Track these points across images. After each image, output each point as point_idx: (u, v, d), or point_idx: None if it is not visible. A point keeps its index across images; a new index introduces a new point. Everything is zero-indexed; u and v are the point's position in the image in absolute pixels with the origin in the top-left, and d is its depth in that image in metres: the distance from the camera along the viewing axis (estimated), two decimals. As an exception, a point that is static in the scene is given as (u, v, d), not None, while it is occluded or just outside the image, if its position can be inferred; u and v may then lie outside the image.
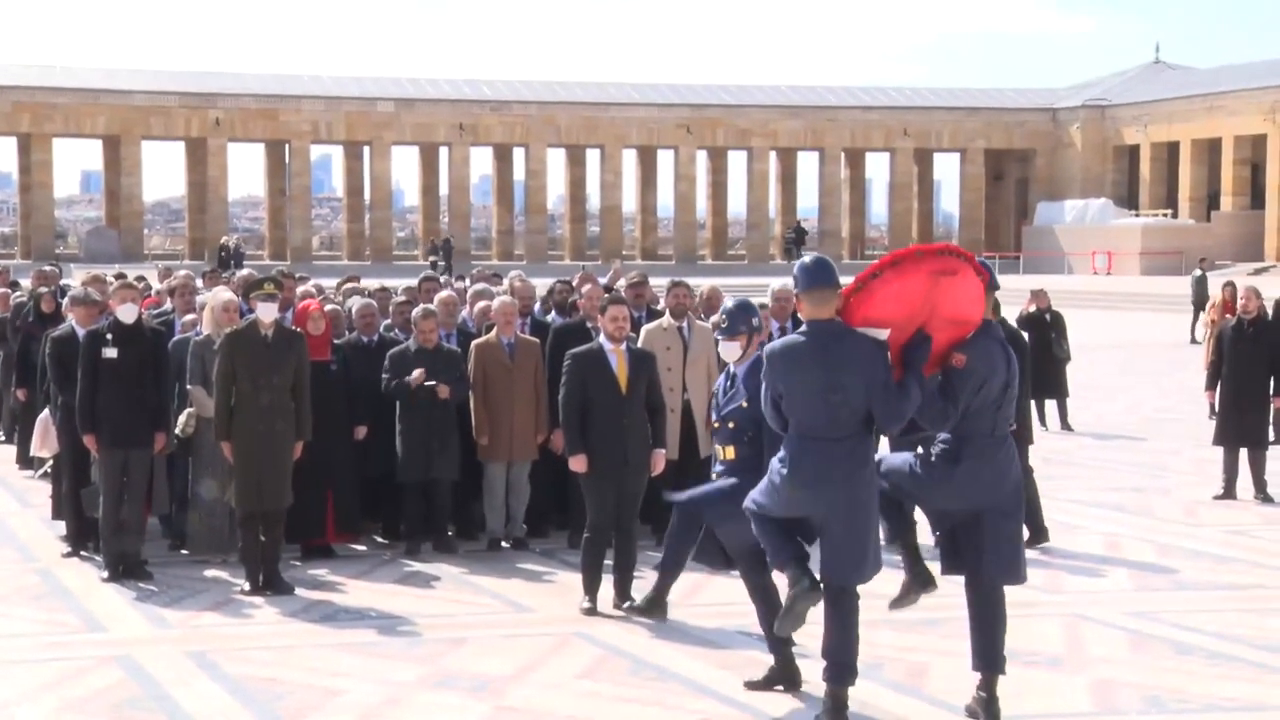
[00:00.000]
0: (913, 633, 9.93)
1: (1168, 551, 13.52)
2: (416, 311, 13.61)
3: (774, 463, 8.52)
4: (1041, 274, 63.44)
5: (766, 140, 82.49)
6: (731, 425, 9.34)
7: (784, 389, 8.37)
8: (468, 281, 17.55)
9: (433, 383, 13.06)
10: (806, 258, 9.04)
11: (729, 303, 9.73)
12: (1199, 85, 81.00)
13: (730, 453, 9.31)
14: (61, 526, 13.55)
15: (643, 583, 11.65)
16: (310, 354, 12.39)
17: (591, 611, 11.17)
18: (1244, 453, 16.00)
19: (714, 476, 9.50)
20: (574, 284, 15.92)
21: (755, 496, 8.58)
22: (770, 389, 8.49)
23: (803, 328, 8.48)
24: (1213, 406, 16.72)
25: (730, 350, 9.51)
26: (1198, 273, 43.10)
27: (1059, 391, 21.43)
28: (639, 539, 11.79)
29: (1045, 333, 20.94)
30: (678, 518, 10.03)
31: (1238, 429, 15.93)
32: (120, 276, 14.68)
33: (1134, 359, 34.59)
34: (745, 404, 9.21)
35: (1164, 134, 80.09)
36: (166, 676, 9.64)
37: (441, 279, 19.17)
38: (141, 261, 65.08)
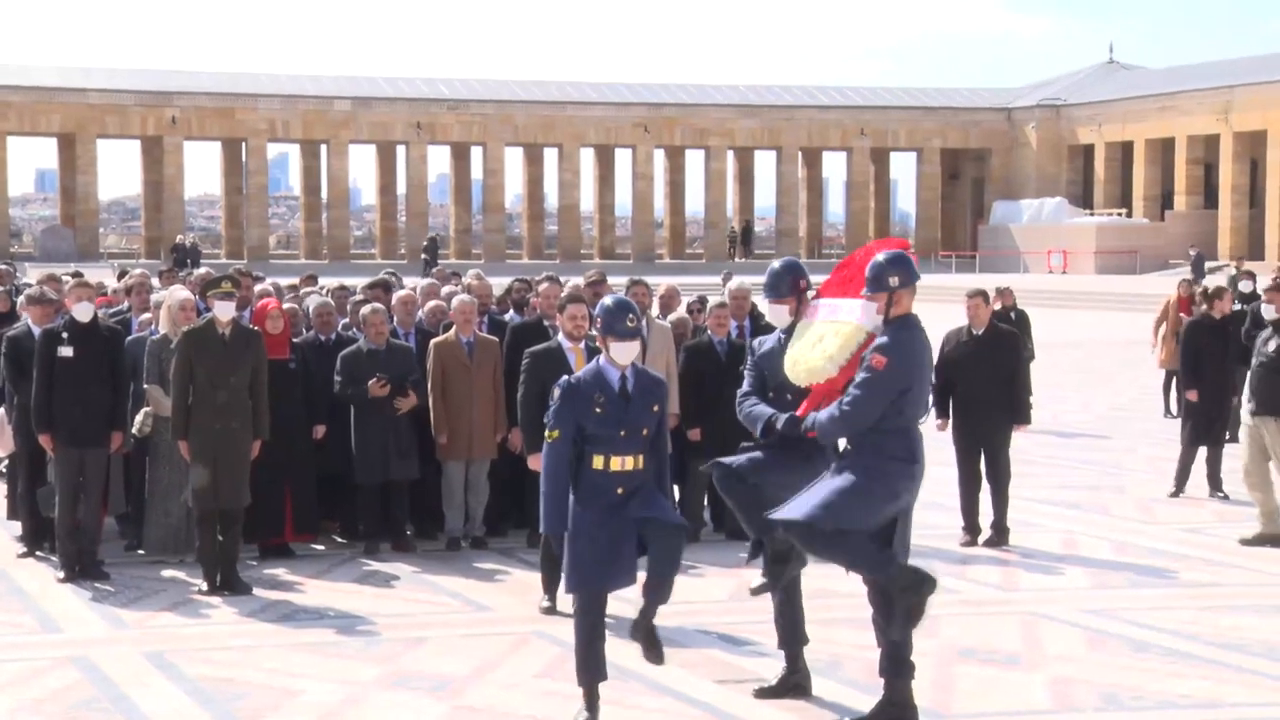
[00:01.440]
0: (870, 631, 9.92)
1: (1124, 549, 13.58)
2: (366, 309, 13.61)
3: (875, 468, 8.38)
4: (998, 273, 63.72)
5: (724, 139, 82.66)
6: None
7: (915, 382, 8.44)
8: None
9: (388, 390, 13.03)
10: (776, 263, 9.10)
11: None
12: (1152, 85, 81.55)
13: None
14: (17, 526, 13.49)
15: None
16: (268, 353, 12.35)
17: (551, 610, 11.14)
18: (1201, 450, 16.11)
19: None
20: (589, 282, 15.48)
21: (851, 517, 8.34)
22: (899, 385, 8.38)
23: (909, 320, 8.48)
24: (1181, 405, 16.90)
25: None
26: (1232, 272, 43.20)
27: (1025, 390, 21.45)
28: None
29: (1014, 331, 20.95)
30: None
31: (1209, 427, 16.02)
32: (76, 275, 14.56)
33: (1089, 358, 34.76)
34: None
35: (1118, 134, 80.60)
36: (124, 677, 9.59)
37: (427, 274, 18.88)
38: (97, 260, 64.81)
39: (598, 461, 8.54)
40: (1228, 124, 74.40)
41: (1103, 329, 44.20)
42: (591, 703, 8.59)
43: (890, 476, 8.39)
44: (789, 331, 8.96)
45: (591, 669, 8.62)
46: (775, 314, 9.16)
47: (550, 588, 11.25)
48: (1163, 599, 11.86)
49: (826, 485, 8.40)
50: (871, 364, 8.36)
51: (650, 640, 8.73)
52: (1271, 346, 13.80)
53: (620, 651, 10.12)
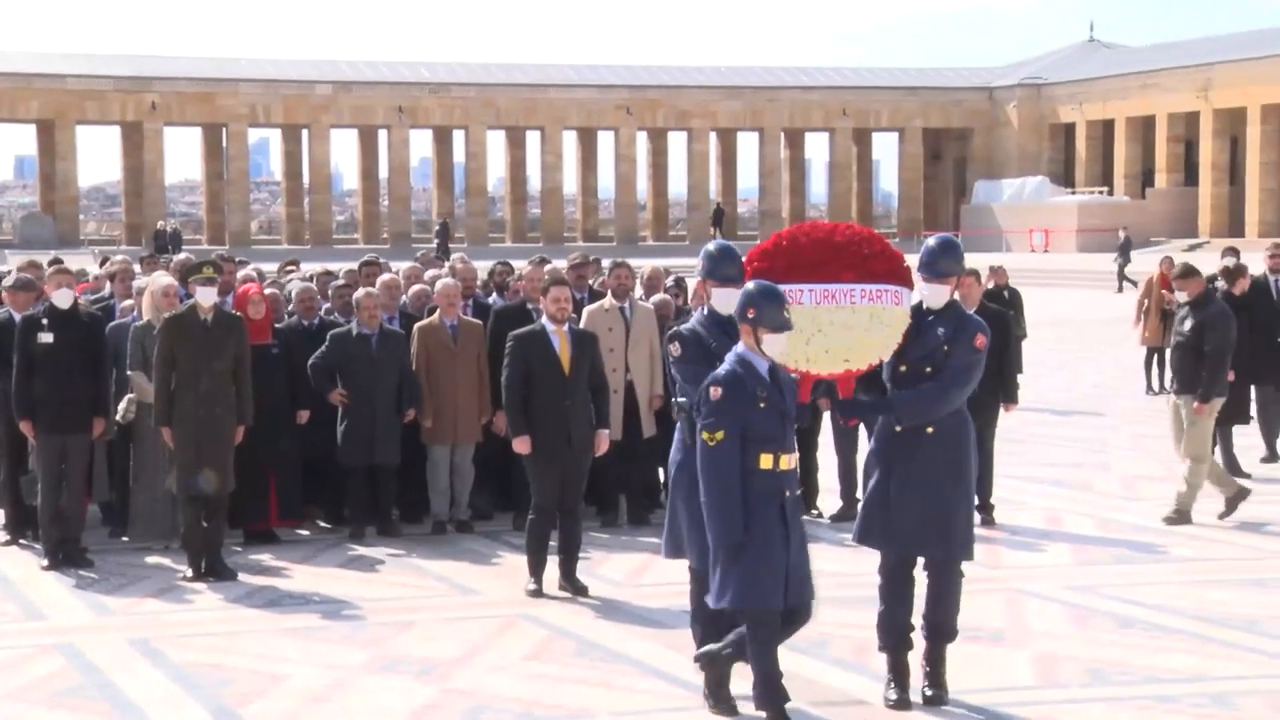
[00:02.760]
0: (855, 609, 9.91)
1: (1108, 526, 13.61)
2: (359, 293, 13.53)
3: (965, 444, 8.56)
4: (980, 252, 63.62)
5: (706, 121, 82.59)
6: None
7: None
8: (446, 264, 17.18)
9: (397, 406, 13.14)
10: (932, 241, 8.86)
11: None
12: (1133, 63, 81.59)
13: None
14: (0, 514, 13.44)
15: (586, 563, 11.69)
16: (251, 338, 12.31)
17: (537, 593, 11.15)
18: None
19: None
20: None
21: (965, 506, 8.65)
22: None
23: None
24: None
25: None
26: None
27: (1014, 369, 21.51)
28: (584, 520, 11.79)
29: (1004, 310, 20.95)
30: None
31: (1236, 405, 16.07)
32: (56, 262, 14.51)
33: (1072, 336, 34.81)
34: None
35: (1099, 112, 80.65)
36: (109, 664, 9.58)
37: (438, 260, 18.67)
38: (78, 247, 64.60)
39: (766, 461, 7.93)
40: (1208, 101, 74.49)
41: (1085, 307, 44.27)
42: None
43: (971, 450, 8.57)
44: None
45: (778, 693, 8.06)
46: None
47: (536, 571, 11.27)
48: (1147, 575, 11.90)
49: (923, 494, 8.40)
50: (976, 345, 8.48)
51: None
52: (1187, 327, 13.88)
53: (607, 634, 10.19)
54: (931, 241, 8.86)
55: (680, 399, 8.72)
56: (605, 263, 15.21)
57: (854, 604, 10.12)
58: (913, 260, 8.75)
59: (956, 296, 8.90)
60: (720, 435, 7.84)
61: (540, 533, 11.26)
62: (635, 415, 13.56)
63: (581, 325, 12.76)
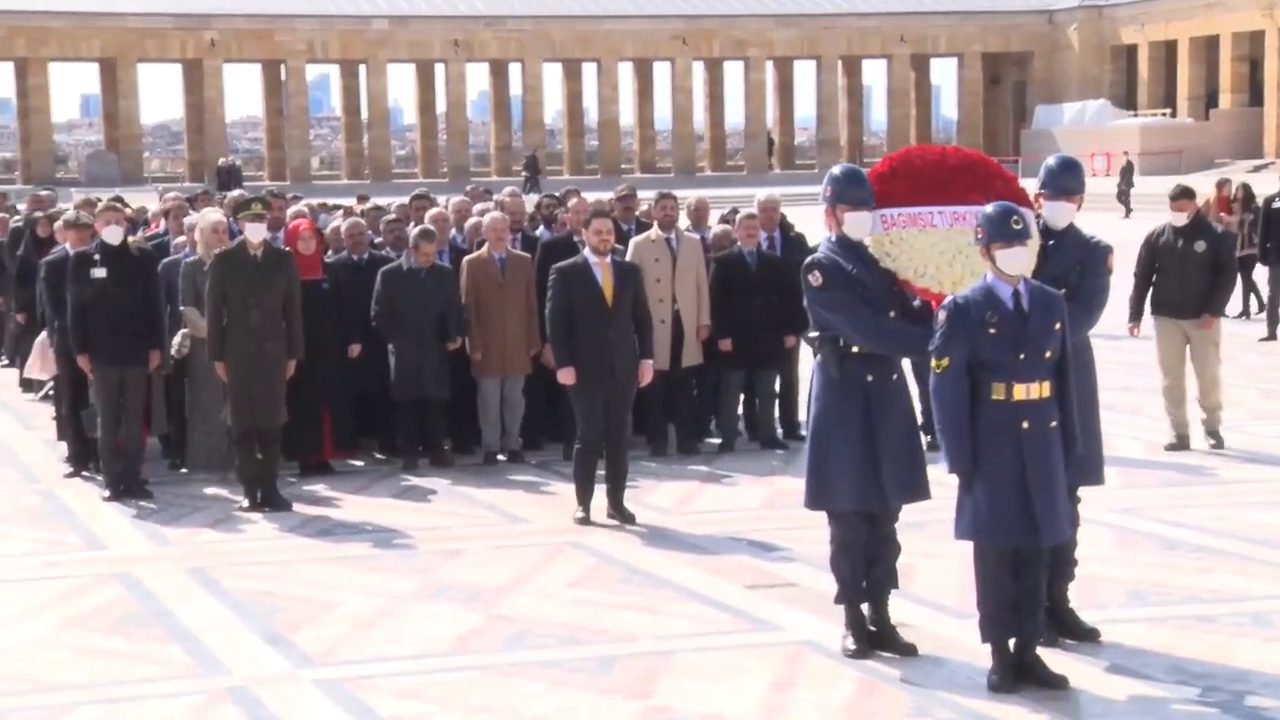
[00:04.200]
0: (903, 536, 9.97)
1: (1155, 449, 13.60)
2: (416, 232, 13.58)
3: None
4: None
5: (763, 50, 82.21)
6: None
7: None
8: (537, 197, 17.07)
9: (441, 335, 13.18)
10: (1052, 160, 8.65)
11: (1052, 161, 8.67)
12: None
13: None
14: (64, 447, 13.64)
15: (634, 491, 11.79)
16: (301, 273, 12.42)
17: (585, 521, 11.24)
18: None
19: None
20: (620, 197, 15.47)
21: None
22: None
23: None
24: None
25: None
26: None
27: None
28: (630, 449, 11.86)
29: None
30: None
31: None
32: (114, 200, 14.68)
33: (1132, 259, 34.46)
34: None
35: (1161, 33, 79.72)
36: (166, 592, 9.73)
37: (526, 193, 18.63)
38: (142, 185, 65.06)
39: (998, 391, 7.53)
40: (1273, 19, 73.41)
41: (1146, 229, 43.75)
42: (1003, 666, 7.65)
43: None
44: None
45: (1002, 624, 7.67)
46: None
47: (584, 500, 11.36)
48: (1193, 497, 11.92)
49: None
50: (1108, 264, 8.39)
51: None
52: (1199, 248, 13.87)
53: (652, 560, 10.29)
54: (1052, 160, 8.67)
55: (812, 333, 8.28)
56: (648, 194, 15.22)
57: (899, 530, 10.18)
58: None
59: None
60: (944, 362, 7.54)
61: (587, 462, 11.35)
62: (682, 345, 13.62)
63: (628, 257, 12.82)
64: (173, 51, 76.45)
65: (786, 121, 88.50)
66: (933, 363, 7.61)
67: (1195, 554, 10.17)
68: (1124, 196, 51.38)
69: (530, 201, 16.70)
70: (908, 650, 8.21)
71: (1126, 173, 53.52)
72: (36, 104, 75.80)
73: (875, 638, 8.29)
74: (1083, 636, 8.34)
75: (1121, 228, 41.60)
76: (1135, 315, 14.11)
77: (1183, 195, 14.17)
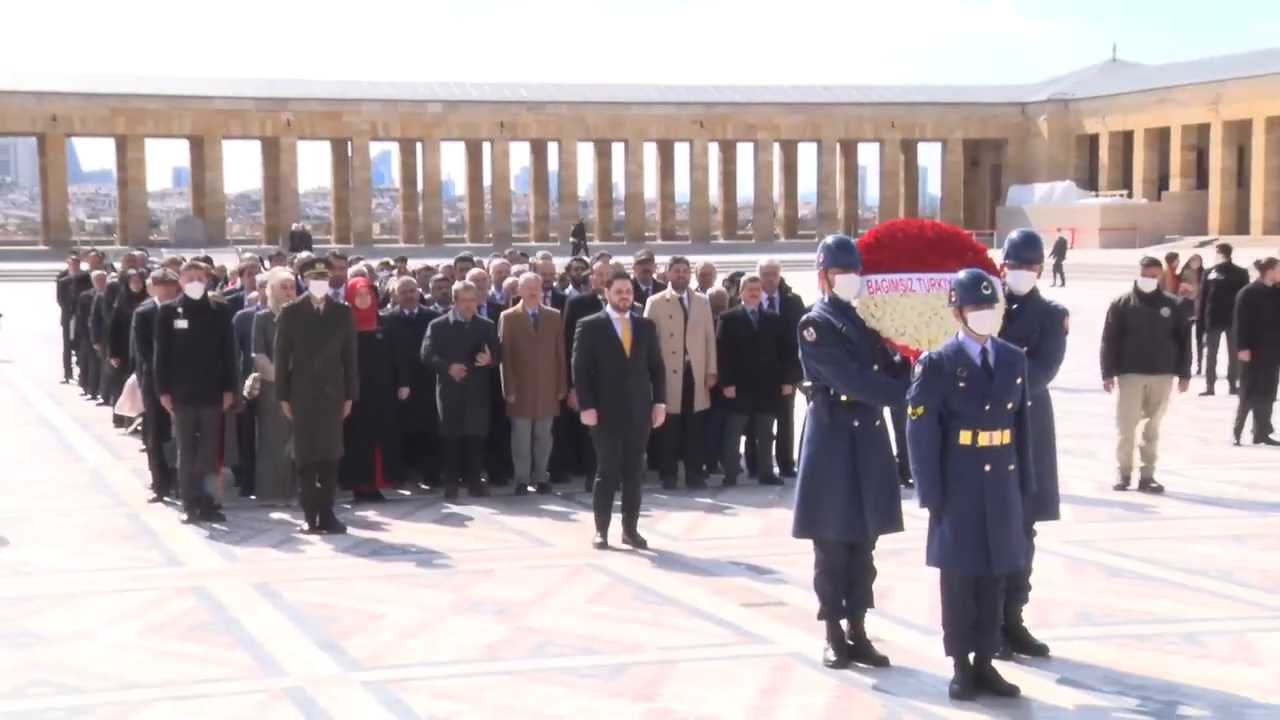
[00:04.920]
0: (879, 562, 9.98)
1: (1105, 489, 13.57)
2: (458, 285, 13.69)
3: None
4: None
5: (770, 134, 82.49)
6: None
7: None
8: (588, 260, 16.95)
9: (470, 363, 13.16)
10: (1015, 234, 8.69)
11: (1015, 235, 8.69)
12: (1150, 80, 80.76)
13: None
14: (148, 474, 13.70)
15: (647, 520, 11.80)
16: (358, 325, 12.49)
17: (603, 546, 11.24)
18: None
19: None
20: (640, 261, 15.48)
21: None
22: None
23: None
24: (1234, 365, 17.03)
25: (1027, 280, 8.52)
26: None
27: None
28: (644, 482, 11.87)
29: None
30: None
31: (1267, 383, 16.12)
32: (195, 259, 14.78)
33: (1094, 323, 34.40)
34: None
35: (1120, 124, 79.92)
36: (234, 604, 9.75)
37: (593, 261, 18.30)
38: (224, 246, 65.28)
39: (965, 437, 7.51)
40: (1218, 114, 73.59)
41: (1106, 297, 43.64)
42: (964, 677, 7.67)
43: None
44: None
45: (964, 640, 7.69)
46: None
47: (602, 527, 11.36)
48: (1138, 531, 11.87)
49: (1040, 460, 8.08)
50: (1064, 326, 8.41)
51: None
52: (1165, 313, 13.82)
53: (662, 581, 10.28)
54: (1015, 234, 8.72)
55: (806, 383, 8.28)
56: (665, 259, 15.28)
57: (878, 557, 10.18)
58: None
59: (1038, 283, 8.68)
60: (919, 410, 7.54)
61: (605, 493, 11.37)
62: (691, 392, 13.66)
63: (645, 314, 12.87)
64: (253, 130, 76.88)
65: (791, 196, 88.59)
66: (909, 410, 7.62)
67: (1136, 581, 10.14)
68: (1057, 268, 51.43)
69: (561, 264, 16.75)
70: (881, 662, 8.22)
71: (1060, 247, 53.61)
72: (134, 175, 76.26)
73: (853, 650, 8.29)
74: (1034, 652, 8.34)
75: (1056, 294, 41.47)
76: (1108, 373, 14.01)
77: (1153, 264, 14.32)
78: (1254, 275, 17.30)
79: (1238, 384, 16.60)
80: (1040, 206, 75.93)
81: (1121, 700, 7.58)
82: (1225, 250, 21.80)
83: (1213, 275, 20.90)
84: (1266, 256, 17.26)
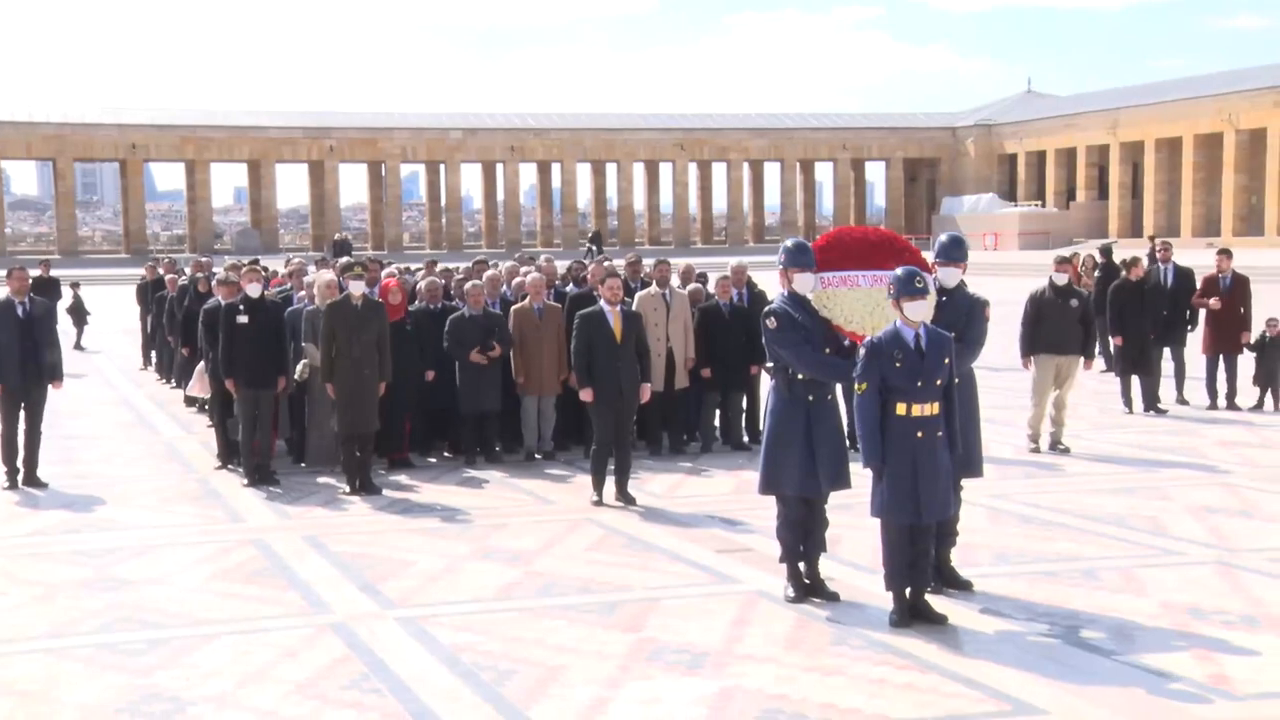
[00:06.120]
0: (831, 514, 9.98)
1: (1021, 451, 13.61)
2: (469, 284, 13.71)
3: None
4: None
5: (741, 154, 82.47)
6: (828, 350, 8.22)
7: None
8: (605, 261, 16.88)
9: (487, 349, 13.17)
10: (944, 237, 8.71)
11: (944, 237, 8.69)
12: (1060, 108, 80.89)
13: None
14: (215, 446, 13.71)
15: (636, 481, 11.80)
16: (390, 318, 12.49)
17: (598, 503, 11.24)
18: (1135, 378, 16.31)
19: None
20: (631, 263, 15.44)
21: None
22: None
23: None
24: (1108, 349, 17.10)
25: (954, 275, 8.50)
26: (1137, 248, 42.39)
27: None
28: (633, 450, 11.89)
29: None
30: None
31: (1140, 361, 16.13)
32: (251, 263, 14.78)
33: (1014, 313, 34.44)
34: (967, 318, 8.43)
35: (1034, 145, 80.00)
36: (288, 553, 9.78)
37: (591, 260, 18.17)
38: (278, 253, 65.19)
39: (901, 409, 7.50)
40: (1115, 136, 73.75)
41: (1024, 291, 43.65)
42: (901, 609, 7.69)
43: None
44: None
45: (901, 578, 7.71)
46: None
47: (598, 487, 11.34)
48: (1046, 486, 11.91)
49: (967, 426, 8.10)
50: (986, 315, 8.44)
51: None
52: (1074, 304, 13.82)
53: (648, 532, 10.27)
54: (943, 237, 8.75)
55: (770, 364, 8.35)
56: (650, 260, 15.31)
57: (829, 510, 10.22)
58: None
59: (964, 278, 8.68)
60: (863, 386, 7.54)
61: (600, 459, 11.38)
62: (672, 373, 13.68)
63: (634, 307, 12.89)
64: (301, 155, 76.73)
65: (759, 207, 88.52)
66: (855, 386, 7.65)
67: (1045, 527, 10.18)
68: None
69: (563, 266, 16.75)
70: (833, 597, 8.25)
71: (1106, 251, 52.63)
72: (200, 194, 76.09)
73: (809, 588, 8.33)
74: (961, 586, 8.39)
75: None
76: (1027, 353, 14.04)
77: (1065, 261, 14.48)
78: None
79: (1115, 364, 16.75)
80: (969, 215, 75.99)
81: (1032, 625, 7.63)
82: (1106, 252, 21.92)
83: (1096, 274, 21.02)
84: (1131, 256, 17.37)
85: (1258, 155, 66.48)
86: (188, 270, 22.26)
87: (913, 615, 7.69)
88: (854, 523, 9.70)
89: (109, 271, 60.48)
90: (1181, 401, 16.65)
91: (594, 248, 62.36)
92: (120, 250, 78.50)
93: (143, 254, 64.07)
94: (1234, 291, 16.61)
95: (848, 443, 8.58)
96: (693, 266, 15.38)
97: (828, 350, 8.20)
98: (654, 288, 13.83)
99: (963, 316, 8.41)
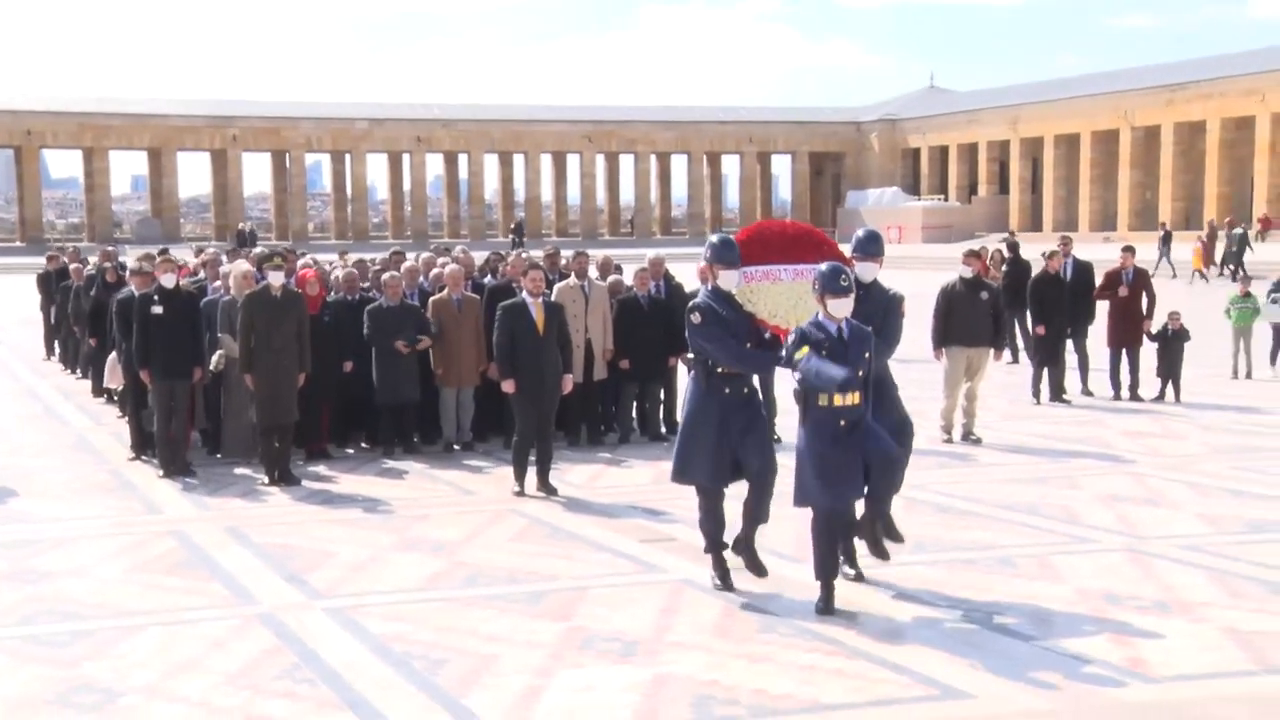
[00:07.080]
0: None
1: (935, 441, 13.78)
2: (386, 275, 13.66)
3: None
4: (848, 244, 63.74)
5: (648, 147, 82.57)
6: (748, 344, 8.32)
7: None
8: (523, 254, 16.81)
9: (413, 341, 13.11)
10: (861, 232, 8.82)
11: (861, 232, 8.87)
12: (962, 104, 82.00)
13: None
14: (128, 437, 13.52)
15: (557, 471, 11.82)
16: (309, 309, 12.40)
17: (520, 494, 11.23)
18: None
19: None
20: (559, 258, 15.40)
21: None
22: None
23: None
24: (1028, 339, 17.42)
25: (871, 270, 8.66)
26: (1237, 231, 42.58)
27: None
28: (554, 441, 11.89)
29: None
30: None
31: (1053, 353, 16.45)
32: (163, 253, 14.58)
33: (920, 306, 34.90)
34: (885, 311, 8.58)
35: (937, 140, 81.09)
36: (208, 544, 9.69)
37: (512, 253, 18.08)
38: (179, 243, 64.09)
39: (824, 399, 7.59)
40: (1016, 132, 75.01)
41: (927, 284, 44.28)
42: (828, 596, 7.81)
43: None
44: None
45: (830, 566, 7.87)
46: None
47: (520, 478, 11.33)
48: (960, 476, 12.11)
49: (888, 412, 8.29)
50: (901, 310, 8.57)
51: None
52: (984, 296, 14.09)
53: (571, 522, 10.29)
54: (861, 232, 8.88)
55: (689, 356, 8.41)
56: (567, 252, 15.34)
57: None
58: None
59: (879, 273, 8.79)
60: (805, 349, 7.62)
61: (522, 450, 11.37)
62: (591, 364, 13.73)
63: (553, 298, 12.91)
64: (204, 143, 75.49)
65: (665, 200, 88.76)
66: (796, 355, 7.66)
67: (960, 516, 10.34)
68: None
69: (480, 257, 16.71)
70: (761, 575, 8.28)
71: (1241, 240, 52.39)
72: (99, 182, 74.57)
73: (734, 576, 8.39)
74: (894, 538, 8.60)
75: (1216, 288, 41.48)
76: (939, 345, 14.24)
77: (973, 255, 14.62)
78: (1040, 265, 17.72)
79: (1032, 354, 17.07)
80: (873, 209, 76.82)
81: (950, 612, 7.78)
82: (1013, 246, 22.33)
83: (1004, 267, 21.39)
84: (1050, 249, 17.72)
85: (1152, 151, 68.12)
86: (93, 260, 21.84)
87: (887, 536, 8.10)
88: (778, 512, 9.77)
89: (4, 260, 59.05)
90: (1086, 393, 17.05)
91: (518, 239, 62.18)
92: (15, 239, 76.66)
93: (39, 243, 62.69)
94: (1135, 285, 17.03)
95: (769, 435, 8.64)
96: (611, 258, 15.43)
97: (749, 344, 8.29)
98: (572, 279, 13.86)
99: (880, 311, 8.54)
